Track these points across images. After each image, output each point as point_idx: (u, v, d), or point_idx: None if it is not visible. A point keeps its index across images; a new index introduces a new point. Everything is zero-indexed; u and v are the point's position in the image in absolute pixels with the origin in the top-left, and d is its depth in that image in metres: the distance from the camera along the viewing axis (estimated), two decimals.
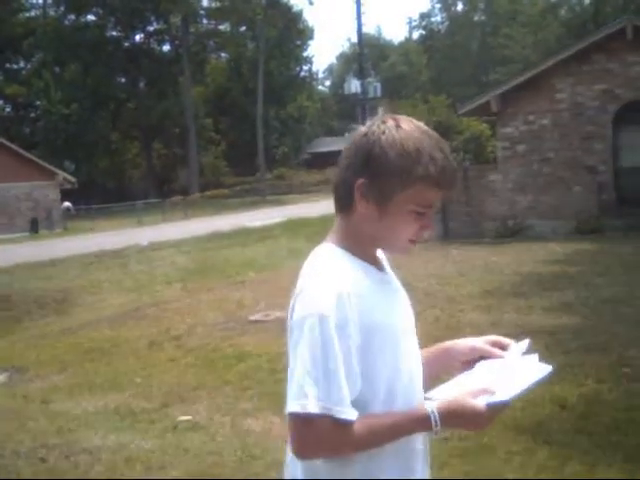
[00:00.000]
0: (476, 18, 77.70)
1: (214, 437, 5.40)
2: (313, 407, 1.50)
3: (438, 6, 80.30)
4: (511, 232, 16.10)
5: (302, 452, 1.56)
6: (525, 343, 1.75)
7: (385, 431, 1.57)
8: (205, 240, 21.07)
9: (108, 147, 54.75)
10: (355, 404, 1.55)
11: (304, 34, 64.02)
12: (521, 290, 10.05)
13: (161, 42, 61.95)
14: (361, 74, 45.53)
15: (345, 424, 1.52)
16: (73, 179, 38.03)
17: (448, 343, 1.83)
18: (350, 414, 1.52)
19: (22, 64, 58.72)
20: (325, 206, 29.20)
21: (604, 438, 4.81)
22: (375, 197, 1.59)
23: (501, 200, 17.03)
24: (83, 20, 57.68)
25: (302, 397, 1.51)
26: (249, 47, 60.72)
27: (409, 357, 1.68)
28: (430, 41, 77.69)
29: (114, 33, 59.27)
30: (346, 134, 63.11)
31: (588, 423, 5.05)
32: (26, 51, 55.57)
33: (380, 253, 1.76)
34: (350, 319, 1.54)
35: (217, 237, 21.68)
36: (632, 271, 11.06)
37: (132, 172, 59.98)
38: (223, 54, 65.34)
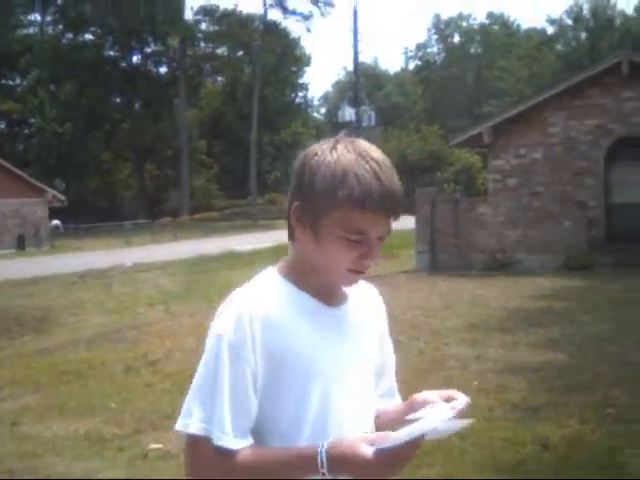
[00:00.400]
0: (472, 50, 78.48)
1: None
2: (194, 428, 1.44)
3: (435, 37, 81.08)
4: (499, 265, 16.01)
5: (189, 474, 1.47)
6: (462, 402, 1.59)
7: (275, 466, 1.46)
8: (192, 263, 20.91)
9: (100, 167, 54.71)
10: (254, 432, 1.48)
11: (301, 61, 64.44)
12: (507, 325, 9.93)
13: (158, 64, 62.20)
14: (356, 102, 45.77)
15: (227, 452, 1.44)
16: (63, 197, 37.92)
17: (414, 395, 1.67)
18: (230, 442, 1.44)
19: (18, 81, 58.90)
20: None
21: None
22: (309, 221, 1.51)
23: (490, 233, 16.95)
24: (81, 39, 57.92)
25: (187, 416, 1.46)
26: (245, 72, 61.05)
27: (335, 398, 1.53)
28: (426, 72, 78.34)
29: (111, 53, 59.52)
30: None
31: (569, 464, 4.93)
32: (22, 68, 55.74)
33: (359, 288, 1.64)
34: (248, 342, 1.46)
35: (205, 260, 21.53)
36: (620, 309, 10.96)
37: (123, 192, 59.88)
38: (219, 78, 65.65)
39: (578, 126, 16.58)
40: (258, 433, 1.48)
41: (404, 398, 1.70)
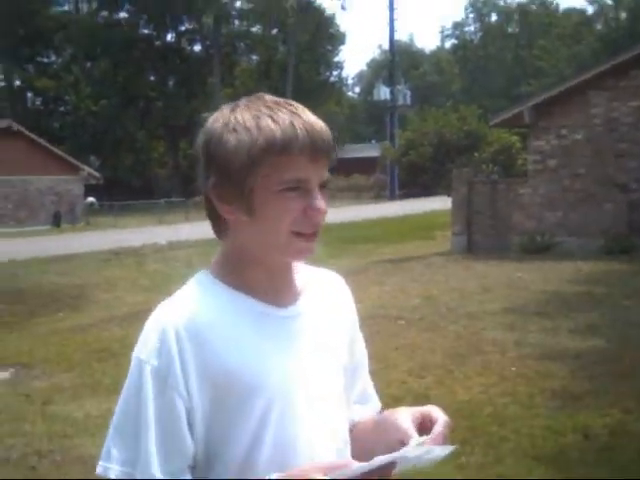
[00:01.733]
0: (510, 30, 77.31)
1: None
2: (115, 473, 1.23)
3: (472, 16, 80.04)
4: (538, 248, 15.73)
5: None
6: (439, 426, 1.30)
7: None
8: (207, 244, 20.88)
9: (134, 145, 54.99)
10: (206, 462, 1.26)
11: (335, 39, 64.00)
12: (546, 309, 9.72)
13: (192, 42, 62.23)
14: (391, 81, 45.41)
15: None
16: (98, 174, 38.24)
17: (386, 413, 1.41)
18: None
19: (53, 58, 59.22)
20: (347, 212, 29.18)
21: (627, 471, 4.56)
22: (233, 194, 1.26)
23: (529, 215, 16.67)
24: (115, 17, 58.11)
25: (107, 459, 1.24)
26: (280, 50, 60.79)
27: (293, 417, 1.28)
28: (462, 51, 77.45)
29: (146, 31, 59.61)
30: (373, 141, 62.97)
31: (611, 455, 4.81)
32: (57, 45, 56.03)
33: (318, 279, 1.41)
34: (176, 366, 1.21)
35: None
36: None
37: (157, 171, 60.23)
38: (253, 56, 65.49)
39: (621, 107, 16.21)
40: (211, 464, 1.26)
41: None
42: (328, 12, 61.52)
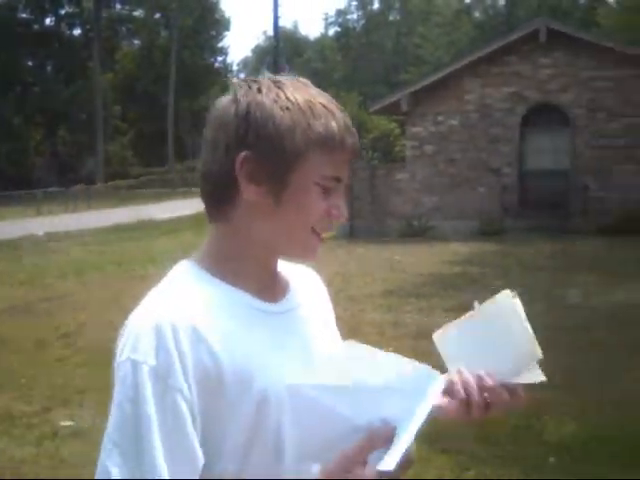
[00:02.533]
0: (392, 17, 78.57)
1: (96, 446, 5.06)
2: None
3: (354, 4, 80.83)
4: (416, 232, 16.21)
5: None
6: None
7: None
8: (107, 232, 20.44)
9: (10, 132, 52.70)
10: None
11: (220, 24, 63.36)
12: (423, 290, 10.07)
13: (72, 26, 60.08)
14: (276, 68, 45.33)
15: None
16: None
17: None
18: None
19: None
20: None
21: (503, 448, 4.78)
22: (268, 175, 1.16)
23: (407, 200, 17.13)
24: None
25: (104, 474, 1.07)
26: (162, 35, 59.63)
27: (289, 413, 1.18)
28: (345, 38, 78.12)
29: (24, 15, 57.14)
30: None
31: (488, 432, 5.00)
32: None
33: (295, 273, 1.33)
34: (176, 365, 1.08)
35: (120, 229, 21.07)
36: (532, 272, 11.26)
37: (35, 159, 57.96)
38: (135, 41, 63.96)
39: (494, 93, 16.82)
40: (208, 464, 1.13)
41: None
42: None
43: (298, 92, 1.17)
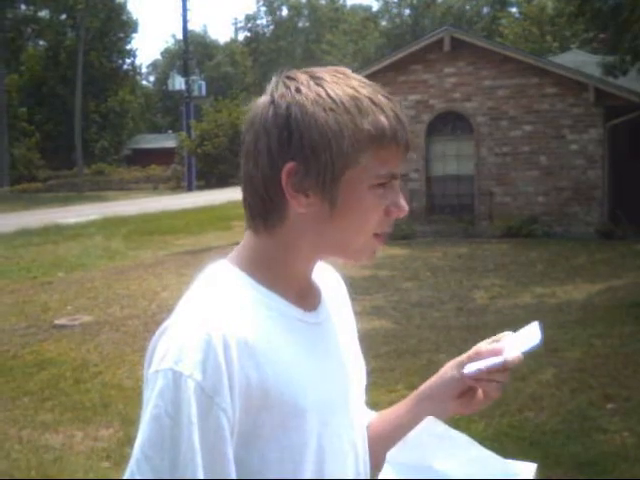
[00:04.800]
0: (300, 24, 79.06)
1: (8, 454, 5.02)
2: None
3: (263, 9, 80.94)
4: None
5: None
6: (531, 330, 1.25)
7: None
8: (11, 237, 19.81)
9: None
10: None
11: (128, 26, 62.22)
12: None
13: None
14: (185, 71, 44.94)
15: None
16: None
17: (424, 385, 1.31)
18: None
19: None
20: (145, 203, 28.62)
21: None
22: (317, 184, 1.06)
23: None
24: None
25: None
26: (69, 36, 58.19)
27: (333, 435, 1.11)
28: (255, 43, 78.15)
29: None
30: (170, 131, 62.06)
31: None
32: None
33: (322, 278, 1.24)
34: (224, 384, 0.98)
35: (26, 234, 20.44)
36: (439, 276, 11.59)
37: None
38: (41, 42, 62.18)
39: (401, 101, 16.97)
40: None
41: None
42: None
43: (340, 87, 1.07)
